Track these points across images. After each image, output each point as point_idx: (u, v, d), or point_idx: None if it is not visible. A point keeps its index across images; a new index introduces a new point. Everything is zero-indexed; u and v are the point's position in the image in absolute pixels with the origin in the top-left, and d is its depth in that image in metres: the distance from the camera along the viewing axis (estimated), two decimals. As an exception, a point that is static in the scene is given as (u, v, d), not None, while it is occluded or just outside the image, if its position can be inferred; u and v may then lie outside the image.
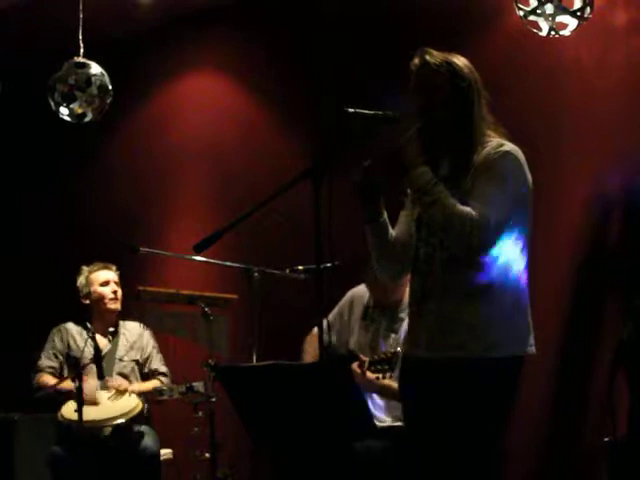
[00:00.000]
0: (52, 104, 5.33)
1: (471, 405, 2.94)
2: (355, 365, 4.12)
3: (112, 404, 4.88)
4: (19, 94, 6.84)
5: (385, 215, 3.12)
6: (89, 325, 5.15)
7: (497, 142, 3.02)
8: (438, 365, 2.99)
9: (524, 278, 3.04)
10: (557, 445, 4.63)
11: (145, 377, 5.21)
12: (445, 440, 2.98)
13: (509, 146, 3.02)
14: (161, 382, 5.16)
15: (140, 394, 5.00)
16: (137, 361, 5.19)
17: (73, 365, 4.92)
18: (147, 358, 5.23)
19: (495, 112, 3.11)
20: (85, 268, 5.27)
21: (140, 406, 4.90)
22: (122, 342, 5.20)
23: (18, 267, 6.91)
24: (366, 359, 4.12)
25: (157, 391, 4.80)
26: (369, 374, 4.08)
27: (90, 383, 4.88)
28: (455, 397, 2.95)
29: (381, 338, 4.33)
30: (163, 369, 5.25)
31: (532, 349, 3.03)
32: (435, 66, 3.03)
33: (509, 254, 2.98)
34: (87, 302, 5.23)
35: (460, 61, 3.06)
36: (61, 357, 5.16)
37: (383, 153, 2.99)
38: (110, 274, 5.25)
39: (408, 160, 2.96)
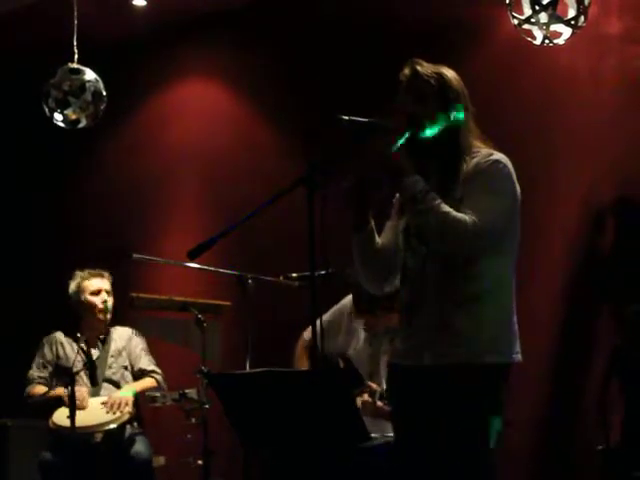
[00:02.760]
0: (46, 110, 5.33)
1: (460, 412, 2.94)
2: (366, 396, 4.10)
3: (101, 412, 4.85)
4: (14, 99, 6.86)
5: (372, 224, 3.13)
6: (79, 335, 5.12)
7: (487, 151, 3.05)
8: (427, 373, 3.00)
9: (512, 286, 3.06)
10: (550, 452, 4.63)
11: (135, 379, 5.17)
12: (435, 448, 2.98)
13: (498, 155, 3.04)
14: (155, 379, 5.14)
15: (138, 393, 4.98)
16: (126, 367, 5.16)
17: (62, 374, 4.92)
18: (134, 359, 5.19)
19: (488, 120, 3.13)
20: (78, 274, 5.22)
21: (131, 411, 4.88)
22: (112, 349, 5.17)
23: (11, 272, 6.91)
24: (377, 388, 4.09)
25: (150, 398, 4.79)
26: (379, 403, 4.05)
27: (81, 390, 4.87)
28: (444, 404, 2.96)
29: (382, 353, 4.26)
30: (152, 367, 5.18)
31: (518, 357, 3.04)
32: (425, 77, 3.05)
33: (499, 263, 3.00)
34: (77, 309, 5.19)
35: (450, 73, 3.10)
36: (50, 367, 5.13)
37: (373, 162, 3.00)
38: (103, 283, 5.19)
39: (399, 169, 2.98)
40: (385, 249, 3.16)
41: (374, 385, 4.11)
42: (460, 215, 2.92)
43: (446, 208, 2.93)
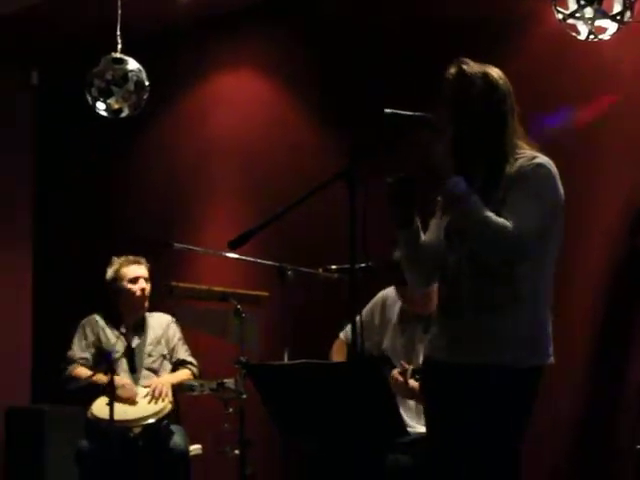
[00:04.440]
0: (89, 99, 5.36)
1: (489, 412, 2.95)
2: (396, 372, 4.10)
3: (142, 403, 4.88)
4: (56, 88, 6.91)
5: (418, 222, 3.13)
6: (122, 327, 5.15)
7: (530, 154, 3.03)
8: (459, 371, 3.01)
9: (549, 289, 3.05)
10: (588, 452, 4.60)
11: (173, 369, 5.20)
12: (464, 445, 2.99)
13: (542, 158, 3.02)
14: (191, 372, 5.17)
15: (175, 386, 4.99)
16: (165, 355, 5.18)
17: (104, 359, 4.93)
18: (172, 349, 5.21)
19: (530, 117, 3.11)
20: (116, 260, 5.21)
21: (170, 405, 4.91)
22: (150, 337, 5.18)
23: (54, 261, 6.97)
24: (409, 367, 4.08)
25: (188, 387, 4.79)
26: (412, 382, 4.05)
27: (128, 383, 4.90)
28: (474, 404, 2.97)
29: (417, 342, 4.29)
30: (189, 359, 5.22)
31: (551, 359, 3.05)
32: (471, 77, 3.04)
33: (536, 267, 2.99)
34: (114, 296, 5.21)
35: (495, 72, 3.08)
36: (92, 349, 5.14)
37: (419, 164, 2.99)
38: (140, 270, 5.19)
39: (442, 170, 2.97)
40: (429, 247, 3.15)
41: (406, 364, 4.10)
42: (501, 220, 2.90)
43: (487, 212, 2.91)
